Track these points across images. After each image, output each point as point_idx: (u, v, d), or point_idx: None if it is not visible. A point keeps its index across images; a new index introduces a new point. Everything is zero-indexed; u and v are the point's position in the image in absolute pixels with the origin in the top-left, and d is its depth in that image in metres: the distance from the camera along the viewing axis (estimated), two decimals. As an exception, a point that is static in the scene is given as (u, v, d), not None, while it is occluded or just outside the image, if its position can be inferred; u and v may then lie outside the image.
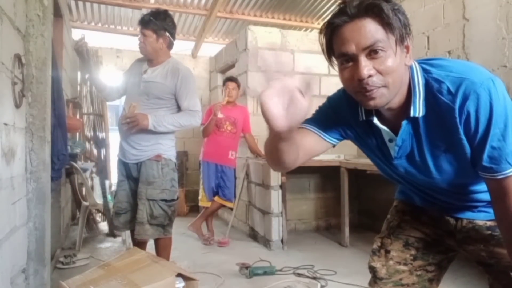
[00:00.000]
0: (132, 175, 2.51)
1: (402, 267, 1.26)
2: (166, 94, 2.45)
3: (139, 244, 2.48)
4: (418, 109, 1.01)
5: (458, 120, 0.97)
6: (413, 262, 1.26)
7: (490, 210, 1.10)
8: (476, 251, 1.20)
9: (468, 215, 1.20)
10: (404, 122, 1.04)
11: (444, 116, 0.99)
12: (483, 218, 1.18)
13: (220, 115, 4.07)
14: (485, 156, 0.97)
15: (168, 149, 2.52)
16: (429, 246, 1.28)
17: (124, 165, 2.53)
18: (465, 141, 0.99)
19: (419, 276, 1.26)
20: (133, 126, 2.35)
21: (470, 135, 0.98)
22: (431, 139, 1.05)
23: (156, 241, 2.52)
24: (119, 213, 2.55)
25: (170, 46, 2.57)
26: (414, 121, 1.04)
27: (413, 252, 1.27)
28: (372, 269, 1.30)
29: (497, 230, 1.12)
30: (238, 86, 4.22)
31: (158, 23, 2.45)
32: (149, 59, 2.54)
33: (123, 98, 2.67)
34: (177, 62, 2.55)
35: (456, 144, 1.01)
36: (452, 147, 1.02)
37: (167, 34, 2.50)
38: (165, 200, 2.46)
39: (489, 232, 1.17)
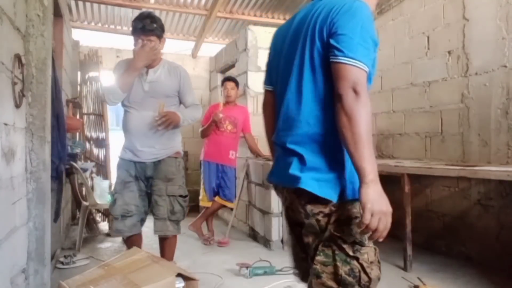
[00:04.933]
0: (146, 174, 2.52)
1: None
2: (173, 91, 2.57)
3: (135, 241, 2.48)
4: None
5: None
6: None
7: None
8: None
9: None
10: None
11: None
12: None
13: (219, 115, 4.07)
14: None
15: (180, 146, 2.67)
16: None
17: (134, 165, 2.51)
18: None
19: None
20: (168, 124, 2.43)
21: None
22: None
23: (166, 239, 2.55)
24: (126, 216, 2.47)
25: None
26: None
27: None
28: None
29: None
30: (237, 85, 4.22)
31: (159, 27, 2.52)
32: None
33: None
34: (171, 62, 2.69)
35: None
36: None
37: (164, 35, 2.59)
38: (182, 196, 2.56)
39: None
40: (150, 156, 2.50)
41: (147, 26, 2.45)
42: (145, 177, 2.53)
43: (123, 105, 2.55)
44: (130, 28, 2.55)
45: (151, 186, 2.53)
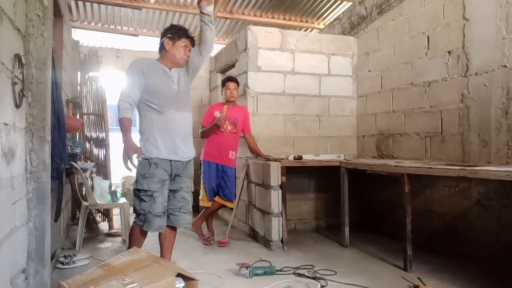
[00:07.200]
0: (177, 172, 2.67)
1: None
2: None
3: (143, 235, 2.66)
4: None
5: None
6: None
7: None
8: None
9: None
10: None
11: None
12: None
13: (219, 114, 4.07)
14: None
15: None
16: None
17: (170, 164, 2.61)
18: None
19: None
20: None
21: None
22: None
23: (173, 230, 2.76)
24: (164, 212, 2.62)
25: None
26: None
27: None
28: None
29: None
30: (238, 85, 4.22)
31: None
32: (172, 65, 2.69)
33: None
34: None
35: None
36: None
37: None
38: None
39: None
40: (185, 155, 2.69)
41: (190, 34, 2.68)
42: (174, 175, 2.67)
43: (155, 106, 2.58)
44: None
45: (176, 184, 2.70)
